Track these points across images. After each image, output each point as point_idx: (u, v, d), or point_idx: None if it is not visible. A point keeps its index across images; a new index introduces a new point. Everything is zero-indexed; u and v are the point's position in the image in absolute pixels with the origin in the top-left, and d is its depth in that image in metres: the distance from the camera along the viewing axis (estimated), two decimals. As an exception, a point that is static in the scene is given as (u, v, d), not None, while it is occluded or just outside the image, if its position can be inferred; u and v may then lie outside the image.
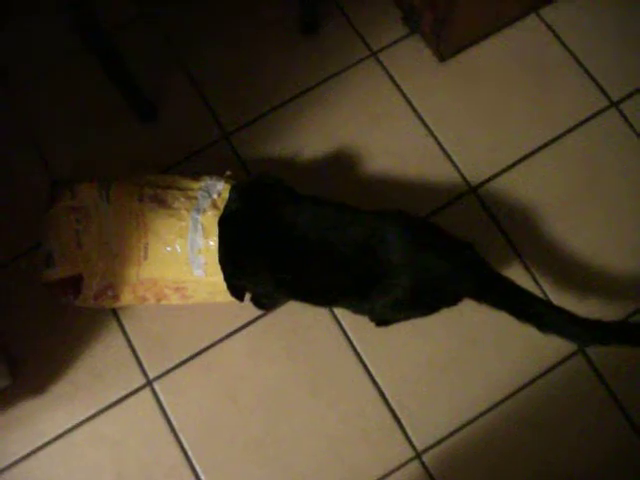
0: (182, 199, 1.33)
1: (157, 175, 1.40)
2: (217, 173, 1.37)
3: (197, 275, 1.29)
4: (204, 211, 1.30)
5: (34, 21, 1.66)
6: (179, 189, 1.35)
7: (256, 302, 1.40)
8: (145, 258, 1.31)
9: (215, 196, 1.33)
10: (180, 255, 1.29)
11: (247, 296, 1.37)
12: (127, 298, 1.34)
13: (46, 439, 1.37)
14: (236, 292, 1.32)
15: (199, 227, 1.29)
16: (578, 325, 1.14)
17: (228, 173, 1.38)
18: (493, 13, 1.57)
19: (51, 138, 1.59)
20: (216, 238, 1.27)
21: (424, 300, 1.21)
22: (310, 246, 1.19)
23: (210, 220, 1.29)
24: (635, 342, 1.18)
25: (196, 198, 1.33)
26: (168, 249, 1.30)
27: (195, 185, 1.35)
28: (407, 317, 1.33)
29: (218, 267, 1.26)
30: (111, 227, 1.32)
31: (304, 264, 1.21)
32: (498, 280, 1.18)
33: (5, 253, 1.49)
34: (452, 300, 1.21)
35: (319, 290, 1.25)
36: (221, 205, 1.30)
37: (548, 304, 1.21)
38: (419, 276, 1.15)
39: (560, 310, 1.16)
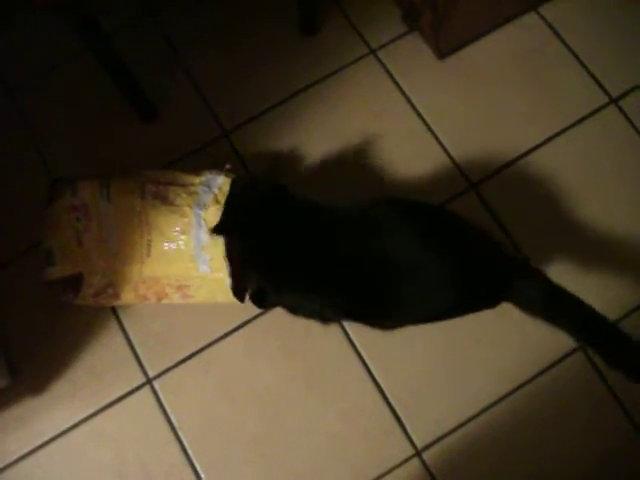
0: (184, 195, 1.33)
1: (157, 171, 1.39)
2: (217, 168, 1.37)
3: (203, 271, 1.29)
4: (206, 206, 1.30)
5: (35, 20, 1.66)
6: (180, 185, 1.35)
7: (255, 300, 1.40)
8: (148, 255, 1.31)
9: (216, 190, 1.32)
10: (184, 251, 1.29)
11: (248, 301, 1.37)
12: (128, 297, 1.34)
13: (46, 438, 1.37)
14: (239, 293, 1.32)
15: (202, 223, 1.29)
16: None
17: (228, 166, 1.38)
18: (492, 11, 1.57)
19: (51, 137, 1.59)
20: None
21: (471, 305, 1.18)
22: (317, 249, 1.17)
23: (213, 215, 1.29)
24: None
25: (197, 193, 1.32)
26: (172, 246, 1.30)
27: (196, 180, 1.35)
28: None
29: (223, 263, 1.27)
30: (112, 225, 1.32)
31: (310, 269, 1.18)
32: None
33: (5, 252, 1.49)
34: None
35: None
36: (222, 199, 1.30)
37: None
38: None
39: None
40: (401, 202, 1.21)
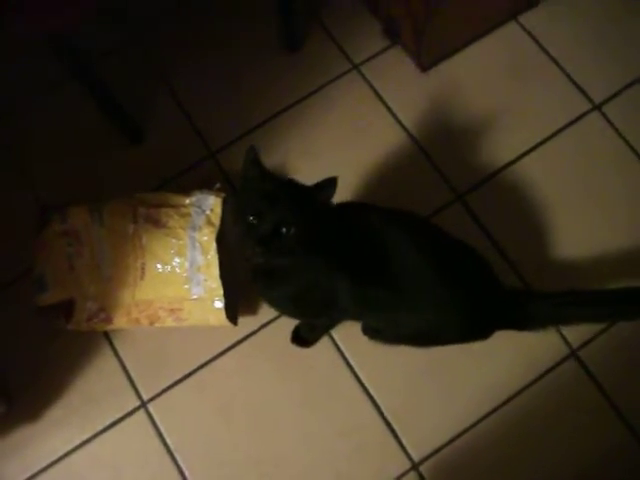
0: (176, 217, 1.34)
1: (147, 193, 1.41)
2: (206, 188, 1.39)
3: (197, 293, 1.30)
4: (200, 228, 1.31)
5: (18, 50, 1.66)
6: (171, 206, 1.36)
7: (297, 338, 1.41)
8: (142, 278, 1.32)
9: (208, 211, 1.34)
10: (178, 274, 1.30)
11: (240, 319, 1.38)
12: (120, 321, 1.34)
13: (43, 464, 1.37)
14: (232, 314, 1.33)
15: (197, 245, 1.30)
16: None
17: (218, 186, 1.39)
18: (472, 22, 1.58)
19: (39, 163, 1.59)
20: (214, 253, 1.27)
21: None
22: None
23: (207, 237, 1.31)
24: None
25: (190, 215, 1.34)
26: (166, 268, 1.31)
27: (186, 200, 1.36)
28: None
29: (218, 282, 1.27)
30: (104, 249, 1.33)
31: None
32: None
33: (-3, 279, 1.49)
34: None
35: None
36: (216, 221, 1.32)
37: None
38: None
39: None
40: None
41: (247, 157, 1.05)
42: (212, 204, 1.35)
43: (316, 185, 1.05)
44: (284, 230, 1.00)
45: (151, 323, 1.35)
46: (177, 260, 1.30)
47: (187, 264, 1.30)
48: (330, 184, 1.04)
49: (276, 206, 1.00)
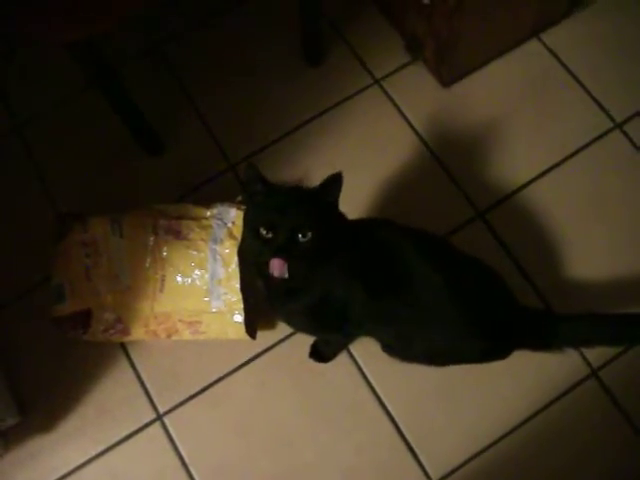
0: (197, 229, 1.33)
1: (168, 205, 1.40)
2: (227, 200, 1.38)
3: (216, 306, 1.29)
4: (221, 241, 1.31)
5: (41, 56, 1.67)
6: (192, 218, 1.35)
7: (315, 353, 1.40)
8: (161, 290, 1.31)
9: (230, 224, 1.33)
10: (199, 287, 1.30)
11: (259, 333, 1.37)
12: (138, 332, 1.34)
13: (57, 476, 1.36)
14: (251, 328, 1.32)
15: (218, 258, 1.29)
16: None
17: (239, 198, 1.38)
18: (495, 40, 1.58)
19: (58, 171, 1.60)
20: (234, 266, 1.27)
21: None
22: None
23: (229, 250, 1.30)
24: None
25: (211, 227, 1.33)
26: (187, 280, 1.30)
27: (207, 213, 1.36)
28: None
29: (238, 295, 1.27)
30: (123, 261, 1.33)
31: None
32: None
33: (13, 288, 1.49)
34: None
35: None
36: (237, 234, 1.31)
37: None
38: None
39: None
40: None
41: (248, 175, 1.05)
42: (234, 217, 1.35)
43: (321, 185, 1.05)
44: (300, 236, 1.00)
45: (169, 336, 1.34)
46: (197, 272, 1.29)
47: (208, 277, 1.30)
48: (335, 181, 1.03)
49: (287, 214, 1.00)
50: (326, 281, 1.10)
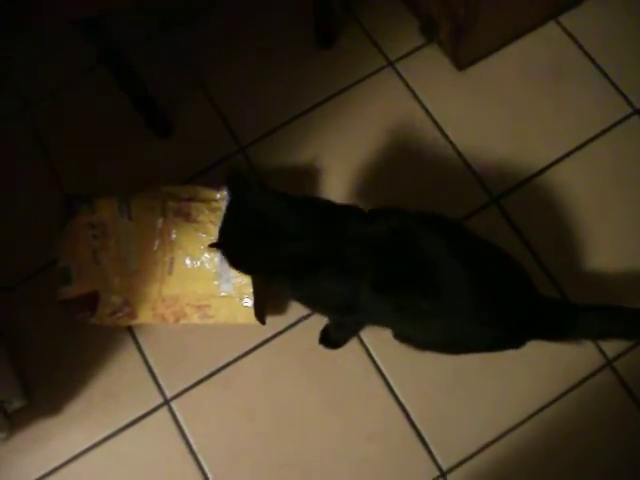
0: (206, 211, 1.31)
1: (177, 186, 1.38)
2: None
3: (226, 290, 1.27)
4: None
5: (50, 35, 1.65)
6: (201, 200, 1.34)
7: (325, 339, 1.37)
8: (170, 273, 1.29)
9: None
10: (208, 269, 1.28)
11: (268, 318, 1.35)
12: (145, 316, 1.32)
13: (63, 460, 1.35)
14: (261, 314, 1.30)
15: None
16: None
17: None
18: (512, 22, 1.54)
19: (65, 153, 1.58)
20: None
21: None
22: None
23: None
24: None
25: (220, 209, 1.31)
26: (196, 263, 1.28)
27: (216, 195, 1.34)
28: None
29: (249, 281, 1.24)
30: (131, 243, 1.31)
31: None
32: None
33: (20, 271, 1.47)
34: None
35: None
36: None
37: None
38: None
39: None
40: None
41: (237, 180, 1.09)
42: (244, 199, 1.33)
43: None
44: None
45: (177, 319, 1.32)
46: (207, 256, 1.27)
47: (217, 260, 1.28)
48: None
49: None
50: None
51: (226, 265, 1.26)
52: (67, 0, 1.11)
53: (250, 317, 1.28)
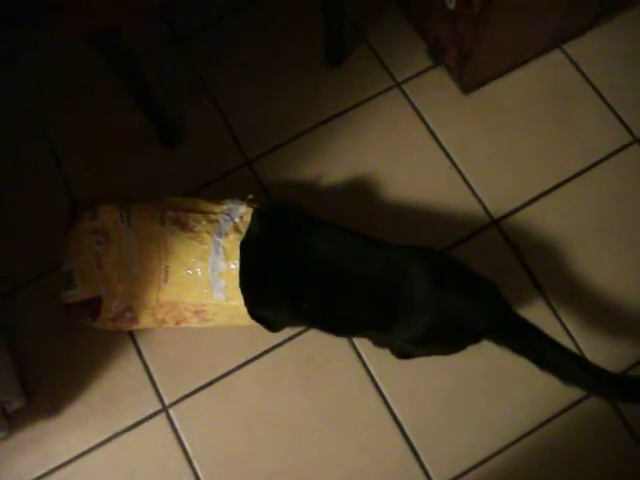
0: (203, 222, 1.33)
1: (178, 198, 1.40)
2: (239, 197, 1.37)
3: (217, 299, 1.29)
4: (226, 234, 1.30)
5: (59, 43, 1.67)
6: (201, 212, 1.35)
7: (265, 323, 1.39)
8: (165, 281, 1.30)
9: (237, 220, 1.32)
10: (201, 278, 1.29)
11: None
12: (146, 321, 1.33)
13: (59, 462, 1.36)
14: (256, 317, 1.31)
15: (220, 250, 1.28)
16: (602, 381, 1.10)
17: (250, 197, 1.38)
18: (518, 48, 1.57)
19: (73, 160, 1.60)
20: (237, 261, 1.26)
21: (444, 337, 1.19)
22: (331, 276, 1.18)
23: (232, 243, 1.28)
24: None
25: (218, 221, 1.32)
26: (189, 272, 1.29)
27: (217, 209, 1.35)
28: (428, 353, 1.31)
29: (238, 291, 1.26)
30: (132, 249, 1.32)
31: (324, 294, 1.20)
32: (520, 324, 1.15)
33: (23, 273, 1.49)
34: (473, 339, 1.19)
35: (338, 321, 1.24)
36: (243, 229, 1.30)
37: (572, 355, 1.13)
38: (439, 313, 1.13)
39: (584, 362, 1.13)
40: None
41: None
42: (242, 212, 1.34)
43: None
44: None
45: (177, 323, 1.34)
46: (199, 264, 1.29)
47: (209, 269, 1.29)
48: None
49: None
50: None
51: (217, 274, 1.28)
52: (84, 11, 1.14)
53: (248, 319, 1.29)
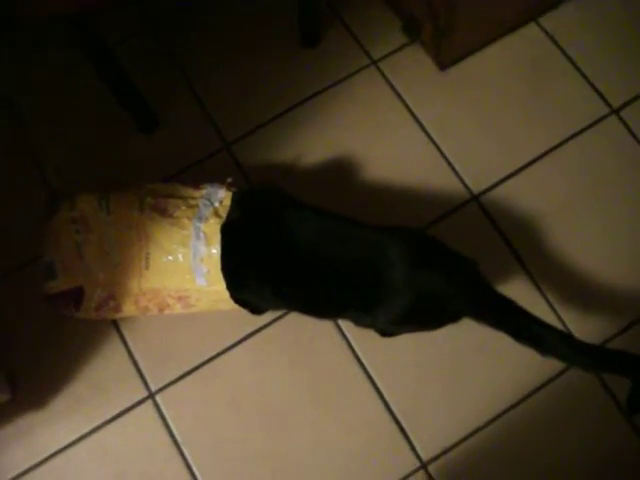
0: (183, 207, 1.32)
1: (157, 184, 1.38)
2: (218, 181, 1.37)
3: (199, 284, 1.28)
4: (206, 219, 1.29)
5: (34, 33, 1.65)
6: (180, 197, 1.34)
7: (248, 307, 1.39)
8: (146, 268, 1.30)
9: (217, 204, 1.32)
10: (182, 264, 1.28)
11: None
12: (129, 309, 1.33)
13: (47, 453, 1.35)
14: (239, 301, 1.31)
15: (201, 235, 1.28)
16: (578, 351, 1.12)
17: (229, 180, 1.37)
18: (493, 22, 1.57)
19: (49, 149, 1.58)
20: (218, 246, 1.26)
21: (424, 317, 1.20)
22: (311, 259, 1.19)
23: (212, 228, 1.28)
24: (629, 374, 1.13)
25: (197, 206, 1.32)
26: (170, 258, 1.29)
27: (196, 194, 1.34)
28: (410, 331, 1.32)
29: (220, 276, 1.26)
30: (112, 237, 1.31)
31: (305, 277, 1.20)
32: (498, 300, 1.16)
33: (4, 265, 1.48)
34: (452, 318, 1.20)
35: (319, 304, 1.25)
36: (223, 213, 1.29)
37: (549, 327, 1.13)
38: (419, 294, 1.14)
39: (561, 334, 1.14)
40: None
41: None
42: (222, 197, 1.34)
43: None
44: None
45: (160, 310, 1.33)
46: (181, 250, 1.28)
47: (191, 254, 1.29)
48: None
49: None
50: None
51: (198, 260, 1.28)
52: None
53: (231, 303, 1.29)
